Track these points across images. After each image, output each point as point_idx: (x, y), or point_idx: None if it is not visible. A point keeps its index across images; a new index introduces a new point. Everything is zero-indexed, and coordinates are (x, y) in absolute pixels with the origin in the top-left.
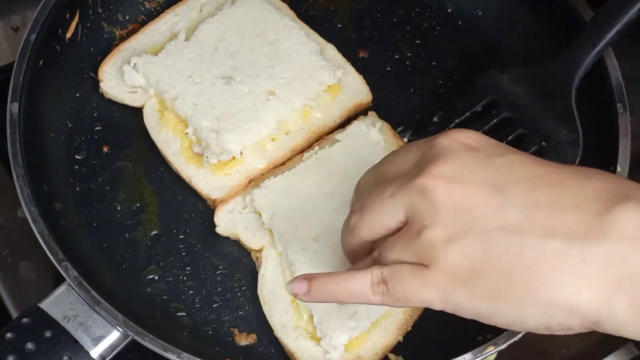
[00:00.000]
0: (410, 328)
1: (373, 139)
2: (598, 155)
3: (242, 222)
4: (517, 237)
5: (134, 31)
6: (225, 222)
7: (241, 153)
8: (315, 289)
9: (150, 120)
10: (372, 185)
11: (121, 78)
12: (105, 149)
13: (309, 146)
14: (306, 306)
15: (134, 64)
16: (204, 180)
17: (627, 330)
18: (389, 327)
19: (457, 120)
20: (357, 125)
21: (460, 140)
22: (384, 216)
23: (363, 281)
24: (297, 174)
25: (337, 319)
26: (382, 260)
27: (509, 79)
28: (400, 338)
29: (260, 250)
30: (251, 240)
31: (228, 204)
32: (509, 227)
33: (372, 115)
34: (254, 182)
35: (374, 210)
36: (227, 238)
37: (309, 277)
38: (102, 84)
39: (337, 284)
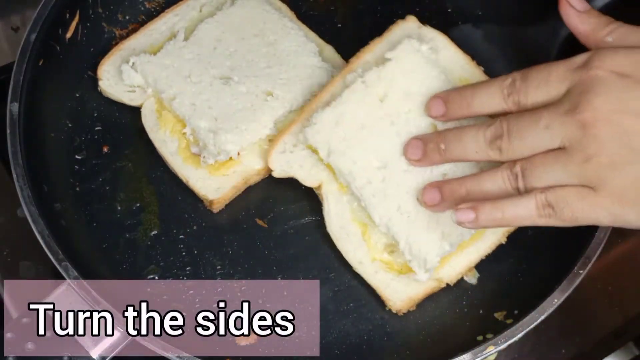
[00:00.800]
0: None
1: (425, 54)
2: None
3: (295, 162)
4: None
5: (134, 31)
6: (280, 165)
7: (238, 153)
8: (482, 217)
9: (148, 120)
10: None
11: (120, 77)
12: (105, 149)
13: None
14: (383, 236)
15: (133, 63)
16: (201, 180)
17: None
18: (480, 248)
19: None
20: (408, 43)
21: (611, 69)
22: (536, 144)
23: (529, 206)
24: (345, 102)
25: (427, 241)
26: (532, 178)
27: (482, 34)
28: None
29: (319, 188)
30: (307, 178)
31: (277, 145)
32: None
33: (411, 20)
34: (247, 183)
35: (525, 139)
36: (227, 238)
37: (474, 206)
38: (100, 83)
39: (503, 211)
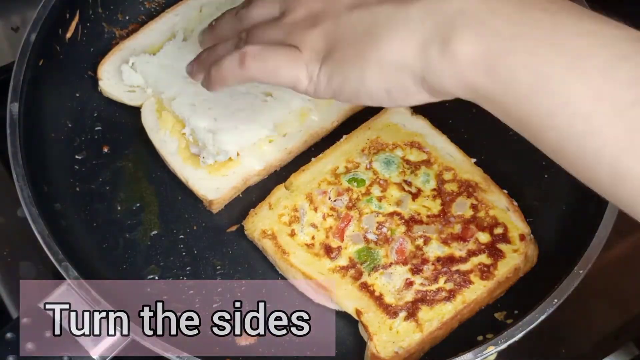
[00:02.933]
0: None
1: None
2: None
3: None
4: (361, 9)
5: (134, 31)
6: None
7: (238, 154)
8: (212, 75)
9: (148, 120)
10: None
11: (120, 77)
12: (105, 149)
13: (306, 148)
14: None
15: (132, 64)
16: (201, 181)
17: (447, 82)
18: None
19: None
20: None
21: None
22: (260, 14)
23: (237, 56)
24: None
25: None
26: (251, 39)
27: None
28: None
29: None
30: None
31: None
32: (356, 3)
33: None
34: (247, 183)
35: (252, 11)
36: (227, 238)
37: (206, 70)
38: (100, 83)
39: (220, 67)
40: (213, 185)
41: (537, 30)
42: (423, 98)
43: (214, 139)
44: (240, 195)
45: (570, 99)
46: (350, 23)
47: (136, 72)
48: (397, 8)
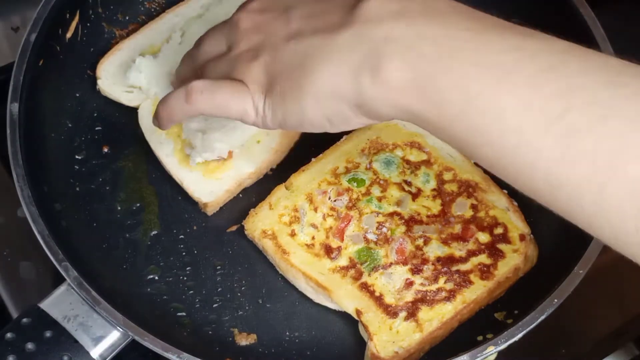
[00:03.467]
0: None
1: None
2: None
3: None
4: (296, 40)
5: (134, 31)
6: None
7: (230, 154)
8: (158, 113)
9: (145, 122)
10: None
11: (118, 77)
12: (105, 149)
13: (290, 147)
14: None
15: (137, 64)
16: (195, 183)
17: (382, 109)
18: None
19: None
20: None
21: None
22: (211, 50)
23: (183, 91)
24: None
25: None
26: (202, 75)
27: None
28: None
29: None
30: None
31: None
32: (292, 34)
33: None
34: (241, 186)
35: (204, 46)
36: (227, 238)
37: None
38: (99, 82)
39: (166, 104)
40: (207, 188)
41: (463, 51)
42: (363, 122)
43: (203, 138)
44: (240, 195)
45: (500, 115)
46: (286, 55)
47: (140, 73)
48: (326, 39)
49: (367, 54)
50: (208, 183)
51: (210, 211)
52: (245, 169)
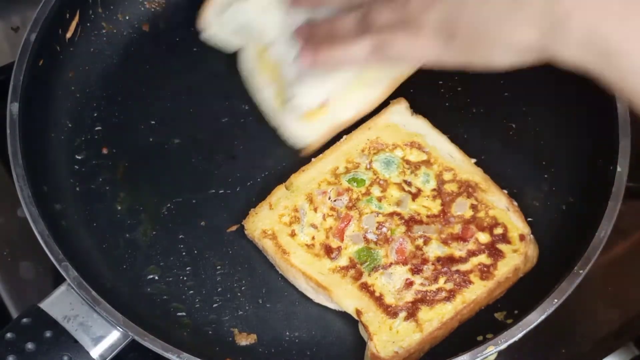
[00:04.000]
0: None
1: None
2: (598, 156)
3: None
4: None
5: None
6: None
7: (327, 102)
8: (320, 59)
9: (246, 65)
10: None
11: (220, 24)
12: (105, 149)
13: (387, 96)
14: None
15: (234, 9)
16: (292, 127)
17: (570, 55)
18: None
19: None
20: None
21: None
22: None
23: (362, 44)
24: None
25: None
26: (370, 21)
27: None
28: None
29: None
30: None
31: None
32: None
33: None
34: (337, 131)
35: None
36: (227, 238)
37: (315, 47)
38: (203, 34)
39: (340, 50)
40: (303, 132)
41: None
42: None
43: (300, 85)
44: (240, 195)
45: None
46: (471, 9)
47: (238, 18)
48: None
49: (555, 12)
50: (304, 127)
51: (306, 154)
52: (342, 115)
